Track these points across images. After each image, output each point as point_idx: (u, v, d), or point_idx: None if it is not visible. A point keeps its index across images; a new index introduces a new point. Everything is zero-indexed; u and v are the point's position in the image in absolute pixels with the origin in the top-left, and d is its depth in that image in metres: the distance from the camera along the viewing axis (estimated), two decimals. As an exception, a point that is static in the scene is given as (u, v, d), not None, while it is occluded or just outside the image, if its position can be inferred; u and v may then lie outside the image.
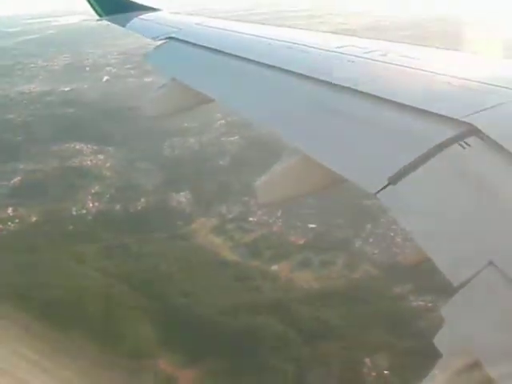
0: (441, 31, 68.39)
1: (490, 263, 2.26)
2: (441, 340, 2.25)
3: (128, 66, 64.17)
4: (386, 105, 3.60)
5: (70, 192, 35.39)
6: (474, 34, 66.16)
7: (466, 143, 2.88)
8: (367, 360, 20.86)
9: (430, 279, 25.20)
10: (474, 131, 2.94)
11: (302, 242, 29.04)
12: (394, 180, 2.86)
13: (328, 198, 29.59)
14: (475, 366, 2.04)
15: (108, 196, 34.78)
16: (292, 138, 4.00)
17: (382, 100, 3.66)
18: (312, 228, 29.93)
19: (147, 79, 58.13)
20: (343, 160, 3.39)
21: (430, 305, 23.57)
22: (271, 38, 6.08)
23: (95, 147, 41.79)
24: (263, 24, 8.30)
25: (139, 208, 32.98)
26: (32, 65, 69.40)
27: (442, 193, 2.78)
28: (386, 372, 20.45)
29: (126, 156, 40.27)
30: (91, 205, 33.65)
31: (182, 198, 33.82)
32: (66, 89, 57.18)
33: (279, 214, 31.30)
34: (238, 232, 30.13)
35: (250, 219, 31.21)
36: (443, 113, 3.21)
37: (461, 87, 3.65)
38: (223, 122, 43.62)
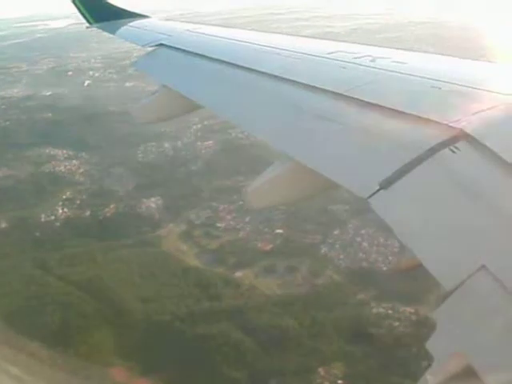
0: (425, 34, 68.47)
1: (483, 267, 2.23)
2: (433, 344, 2.21)
3: (110, 70, 64.03)
4: (376, 110, 3.61)
5: (41, 198, 35.22)
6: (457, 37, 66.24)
7: (456, 148, 2.89)
8: (321, 369, 20.60)
9: (393, 285, 25.15)
10: (463, 136, 2.96)
11: (268, 248, 28.75)
12: (385, 185, 2.86)
13: (297, 203, 29.42)
14: (467, 370, 2.00)
15: (78, 202, 34.53)
16: (283, 144, 3.97)
17: (373, 105, 3.68)
18: (279, 233, 29.67)
19: (128, 84, 58.12)
20: (335, 165, 3.40)
21: (390, 312, 23.35)
22: (262, 45, 6.07)
23: (70, 152, 41.58)
24: (253, 30, 8.33)
25: (108, 214, 32.72)
26: (15, 69, 69.27)
27: (433, 197, 2.77)
28: (339, 382, 20.16)
29: (100, 161, 40.03)
30: (61, 211, 33.38)
31: (152, 203, 33.58)
32: (47, 93, 56.97)
33: (247, 220, 31.07)
34: (204, 238, 29.89)
35: (218, 225, 30.97)
36: (433, 118, 3.22)
37: (450, 92, 3.65)
38: (199, 126, 43.43)
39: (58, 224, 32.09)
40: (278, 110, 4.39)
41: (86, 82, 59.57)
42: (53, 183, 37.25)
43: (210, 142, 41.17)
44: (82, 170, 39.05)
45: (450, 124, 3.08)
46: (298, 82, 4.51)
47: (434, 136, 3.05)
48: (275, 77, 4.80)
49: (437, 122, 3.15)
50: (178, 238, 30.10)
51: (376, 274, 26.25)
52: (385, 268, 26.73)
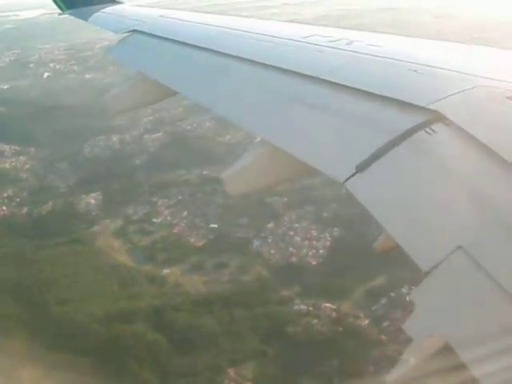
0: (390, 19, 68.02)
1: (459, 247, 2.26)
2: (411, 325, 2.26)
3: (72, 61, 63.09)
4: (352, 93, 3.60)
5: (-19, 196, 34.56)
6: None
7: (432, 130, 2.91)
8: (231, 370, 20.27)
9: (320, 281, 24.77)
10: (439, 118, 2.97)
11: (200, 243, 28.33)
12: (361, 168, 2.86)
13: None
14: (445, 349, 2.04)
15: (18, 200, 33.94)
16: (258, 129, 4.00)
17: (349, 89, 3.66)
18: (213, 228, 29.22)
19: (88, 75, 57.38)
20: (310, 149, 3.39)
21: (311, 309, 22.99)
22: (236, 29, 6.00)
23: (18, 148, 40.83)
24: (228, 15, 8.32)
25: (44, 212, 32.15)
26: (-23, 62, 68.13)
27: (409, 179, 2.81)
28: (248, 383, 19.84)
29: (46, 157, 39.35)
30: (-2, 209, 32.83)
31: (92, 199, 33.04)
32: (5, 87, 56.06)
33: (185, 214, 30.64)
34: (138, 234, 29.44)
35: (154, 220, 30.51)
36: (409, 100, 3.22)
37: (426, 74, 3.66)
38: (151, 118, 42.75)
39: (-7, 223, 31.57)
40: (253, 95, 4.37)
41: (46, 75, 58.65)
42: (-4, 180, 36.61)
43: (158, 134, 40.57)
44: (27, 166, 38.38)
45: (426, 106, 3.07)
46: (274, 66, 4.46)
47: (409, 118, 3.06)
48: (250, 61, 4.76)
49: (413, 105, 3.15)
50: (111, 235, 29.63)
51: (304, 269, 25.88)
52: (314, 263, 26.39)
